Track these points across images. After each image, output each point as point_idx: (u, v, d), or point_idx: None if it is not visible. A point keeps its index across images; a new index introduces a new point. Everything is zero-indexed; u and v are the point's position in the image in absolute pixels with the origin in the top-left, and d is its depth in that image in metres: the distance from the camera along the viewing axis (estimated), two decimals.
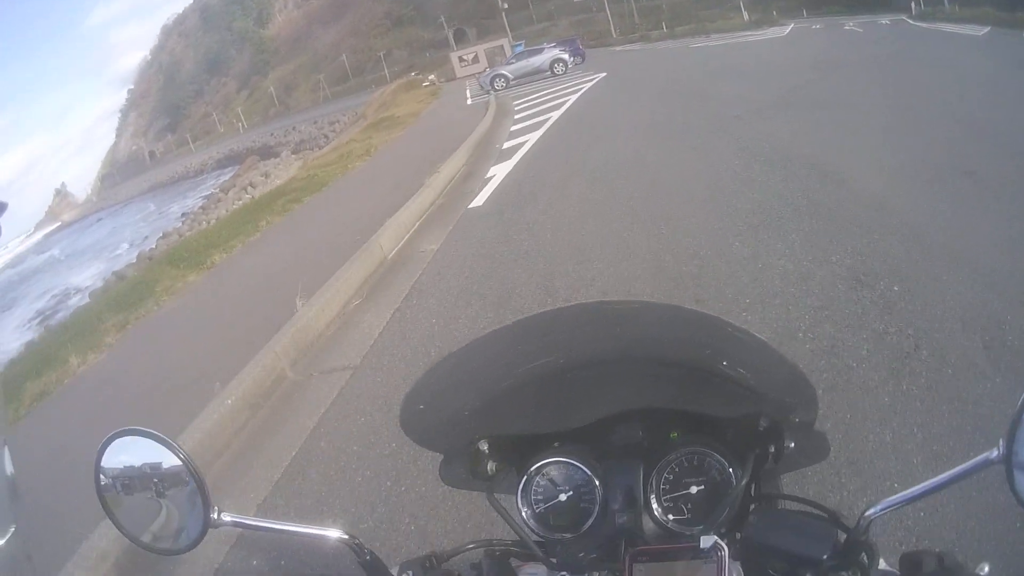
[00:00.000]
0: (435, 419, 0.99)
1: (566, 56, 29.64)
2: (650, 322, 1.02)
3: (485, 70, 32.57)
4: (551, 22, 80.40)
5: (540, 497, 0.95)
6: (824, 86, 12.43)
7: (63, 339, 7.94)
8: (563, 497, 0.93)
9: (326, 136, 42.56)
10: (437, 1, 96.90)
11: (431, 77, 49.79)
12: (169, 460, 0.87)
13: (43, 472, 4.12)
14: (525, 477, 0.95)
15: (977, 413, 2.64)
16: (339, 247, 7.11)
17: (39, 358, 7.53)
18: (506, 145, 12.11)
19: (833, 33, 30.53)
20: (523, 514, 0.95)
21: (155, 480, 0.89)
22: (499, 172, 9.80)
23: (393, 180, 10.47)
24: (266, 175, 31.05)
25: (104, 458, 0.89)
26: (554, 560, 0.89)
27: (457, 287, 5.60)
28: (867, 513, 0.73)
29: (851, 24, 35.15)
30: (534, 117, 15.20)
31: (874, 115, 8.89)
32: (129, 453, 0.89)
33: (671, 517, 0.90)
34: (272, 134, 73.19)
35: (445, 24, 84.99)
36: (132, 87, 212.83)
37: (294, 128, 66.56)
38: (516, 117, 16.16)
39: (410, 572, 0.90)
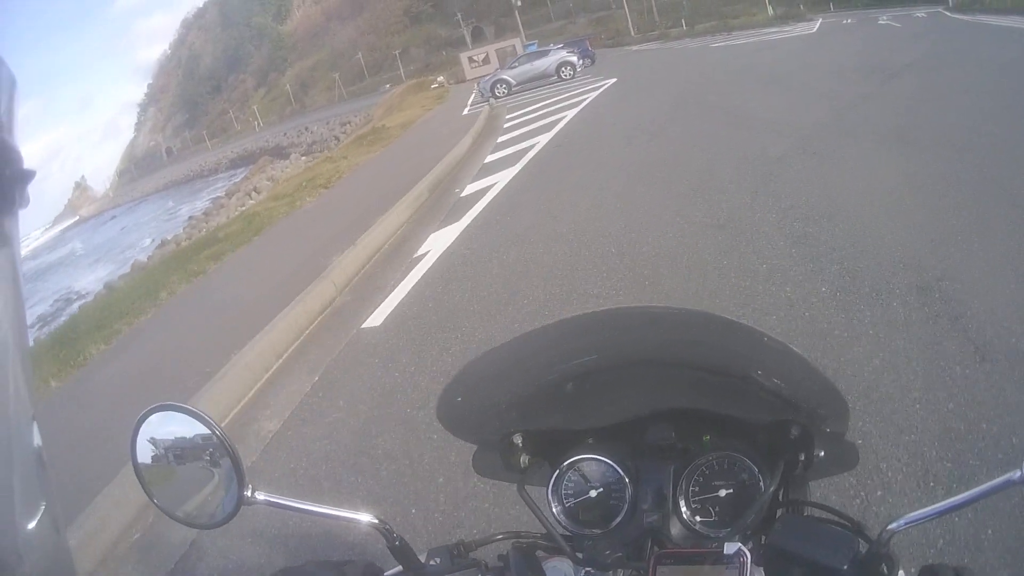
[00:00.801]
0: (471, 410, 1.00)
1: (574, 59, 26.54)
2: (688, 327, 0.98)
3: (496, 71, 29.64)
4: (569, 20, 77.77)
5: (570, 492, 0.96)
6: (890, 103, 9.25)
7: None
8: (593, 493, 0.94)
9: (336, 138, 41.69)
10: None
11: (440, 79, 47.19)
12: (205, 436, 0.88)
13: None
14: (557, 472, 0.96)
15: None
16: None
17: None
18: (468, 190, 9.14)
19: (868, 28, 27.57)
20: (553, 508, 0.95)
21: (190, 455, 0.90)
22: (436, 245, 6.86)
23: (310, 247, 7.65)
24: (272, 179, 29.61)
25: (141, 432, 0.90)
26: (580, 555, 0.89)
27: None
28: (890, 526, 0.74)
29: (885, 18, 32.70)
30: (517, 142, 12.17)
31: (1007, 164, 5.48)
32: (165, 428, 0.90)
33: (699, 519, 0.90)
34: (285, 134, 74.11)
35: (462, 21, 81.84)
36: (151, 82, 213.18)
37: (307, 128, 67.31)
38: (499, 140, 13.17)
39: (438, 559, 0.91)
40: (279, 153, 54.60)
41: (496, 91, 25.18)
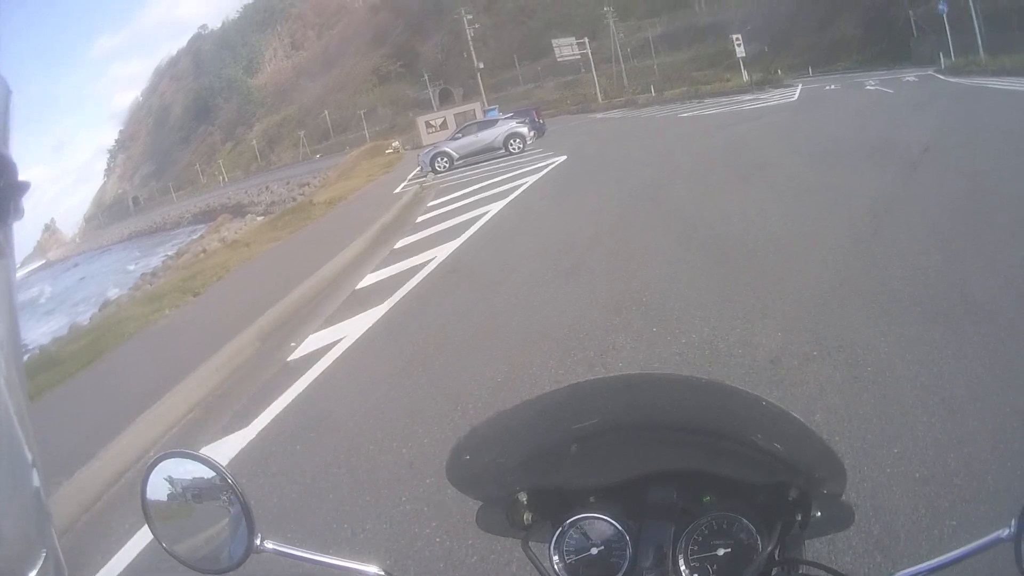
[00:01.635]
0: (479, 468, 1.01)
1: (524, 130, 24.09)
2: (692, 394, 0.99)
3: (436, 142, 27.48)
4: (537, 83, 77.07)
5: (572, 549, 0.97)
6: (931, 219, 6.33)
7: None
8: (594, 551, 0.95)
9: (294, 198, 41.64)
10: (426, 59, 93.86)
11: (395, 144, 45.63)
12: (216, 483, 0.91)
13: None
14: (560, 529, 0.98)
15: None
16: None
17: None
18: (306, 347, 6.70)
19: (857, 96, 25.40)
20: (555, 564, 0.96)
21: (202, 500, 0.92)
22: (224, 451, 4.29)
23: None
24: (222, 240, 28.70)
25: (151, 477, 0.92)
26: None
27: None
28: None
29: (873, 83, 30.47)
30: (412, 254, 9.58)
31: None
32: (177, 473, 0.93)
33: None
34: (247, 192, 75.57)
35: (429, 83, 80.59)
36: (122, 128, 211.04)
37: (267, 188, 68.35)
38: (396, 246, 10.68)
39: None
40: (239, 211, 55.91)
41: (436, 165, 22.84)
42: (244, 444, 4.73)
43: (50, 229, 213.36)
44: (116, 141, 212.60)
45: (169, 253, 41.08)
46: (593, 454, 0.98)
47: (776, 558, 0.91)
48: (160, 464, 0.92)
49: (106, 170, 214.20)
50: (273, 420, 5.03)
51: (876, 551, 2.36)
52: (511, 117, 26.57)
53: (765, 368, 4.05)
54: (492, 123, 25.01)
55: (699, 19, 73.49)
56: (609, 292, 6.26)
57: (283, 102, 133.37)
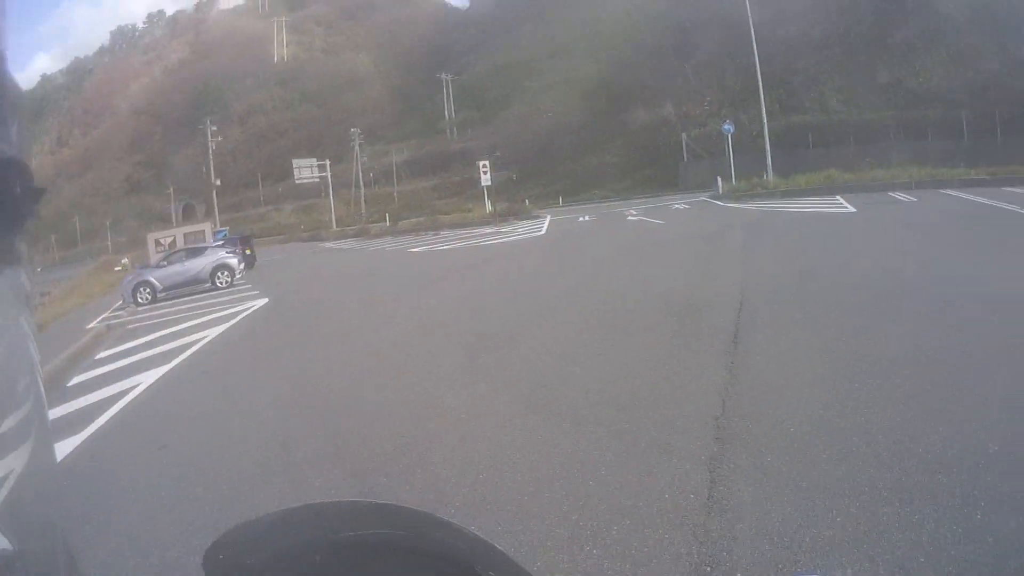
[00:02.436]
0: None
1: (233, 262, 22.98)
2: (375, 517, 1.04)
3: (139, 270, 24.90)
4: (276, 205, 76.51)
5: None
6: None
7: None
8: None
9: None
10: (176, 170, 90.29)
11: (124, 261, 42.91)
12: None
13: None
14: None
15: None
16: None
17: None
18: None
19: (615, 228, 23.58)
20: None
21: None
22: None
23: None
24: None
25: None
26: None
27: None
28: None
29: (634, 213, 29.08)
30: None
31: None
32: None
33: None
34: None
35: (172, 196, 77.18)
36: None
37: None
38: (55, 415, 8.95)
39: None
40: None
41: (139, 296, 21.34)
42: None
43: None
44: None
45: None
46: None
47: None
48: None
49: None
50: None
51: None
52: (221, 245, 25.50)
53: None
54: (201, 251, 23.67)
55: (449, 145, 74.82)
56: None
57: (41, 201, 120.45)
